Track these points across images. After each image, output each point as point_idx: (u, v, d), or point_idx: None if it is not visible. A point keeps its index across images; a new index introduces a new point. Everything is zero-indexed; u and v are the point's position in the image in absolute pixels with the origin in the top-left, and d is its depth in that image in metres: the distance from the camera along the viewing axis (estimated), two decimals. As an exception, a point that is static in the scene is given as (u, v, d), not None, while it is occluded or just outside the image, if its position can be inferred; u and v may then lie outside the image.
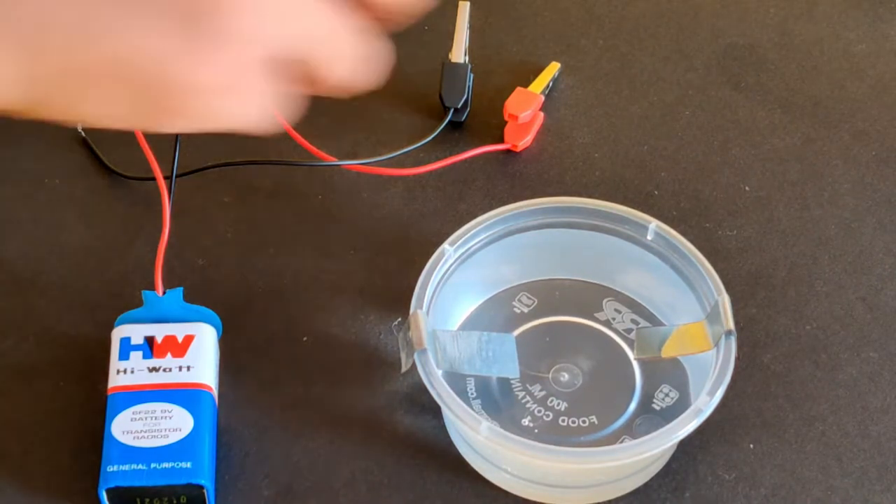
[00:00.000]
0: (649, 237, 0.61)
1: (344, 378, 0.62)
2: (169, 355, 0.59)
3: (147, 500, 0.56)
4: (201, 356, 0.59)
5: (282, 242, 0.66)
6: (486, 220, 0.61)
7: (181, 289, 0.61)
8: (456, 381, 0.60)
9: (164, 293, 0.60)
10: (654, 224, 0.61)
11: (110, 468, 0.56)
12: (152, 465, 0.56)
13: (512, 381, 0.60)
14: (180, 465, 0.56)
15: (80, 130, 0.69)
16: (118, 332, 0.60)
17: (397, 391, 0.61)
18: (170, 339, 0.59)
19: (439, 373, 0.57)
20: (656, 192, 0.68)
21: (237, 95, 0.57)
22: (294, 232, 0.67)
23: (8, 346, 0.63)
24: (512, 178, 0.69)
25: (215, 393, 0.59)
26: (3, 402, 0.61)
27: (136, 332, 0.60)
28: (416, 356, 0.57)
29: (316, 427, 0.60)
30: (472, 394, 0.60)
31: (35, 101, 0.55)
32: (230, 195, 0.68)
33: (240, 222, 0.67)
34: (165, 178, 0.63)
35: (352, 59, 0.62)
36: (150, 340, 0.59)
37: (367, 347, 0.63)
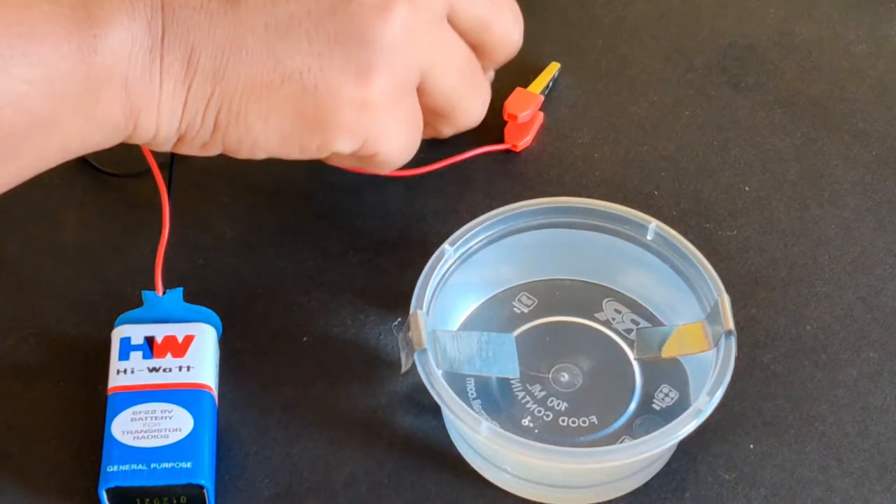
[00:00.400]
0: (649, 237, 0.61)
1: (344, 378, 0.62)
2: (169, 355, 0.59)
3: (147, 500, 0.56)
4: (201, 356, 0.59)
5: (282, 242, 0.66)
6: (486, 220, 0.61)
7: (181, 289, 0.61)
8: (456, 381, 0.60)
9: (164, 293, 0.60)
10: (654, 224, 0.61)
11: (110, 468, 0.56)
12: (152, 465, 0.56)
13: (512, 381, 0.60)
14: (180, 465, 0.56)
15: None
16: (118, 332, 0.60)
17: (397, 391, 0.61)
18: (170, 340, 0.59)
19: (439, 373, 0.57)
20: (656, 192, 0.68)
21: (399, 115, 0.56)
22: (294, 232, 0.67)
23: (8, 346, 0.63)
24: (512, 178, 0.69)
25: (215, 393, 0.59)
26: (3, 402, 0.61)
27: (136, 332, 0.60)
28: (416, 356, 0.57)
29: (316, 427, 0.60)
30: (472, 394, 0.60)
31: (188, 127, 0.54)
32: (230, 195, 0.68)
33: (240, 222, 0.67)
34: (165, 178, 0.63)
35: (485, 103, 0.61)
36: (150, 340, 0.59)
37: (367, 347, 0.63)
